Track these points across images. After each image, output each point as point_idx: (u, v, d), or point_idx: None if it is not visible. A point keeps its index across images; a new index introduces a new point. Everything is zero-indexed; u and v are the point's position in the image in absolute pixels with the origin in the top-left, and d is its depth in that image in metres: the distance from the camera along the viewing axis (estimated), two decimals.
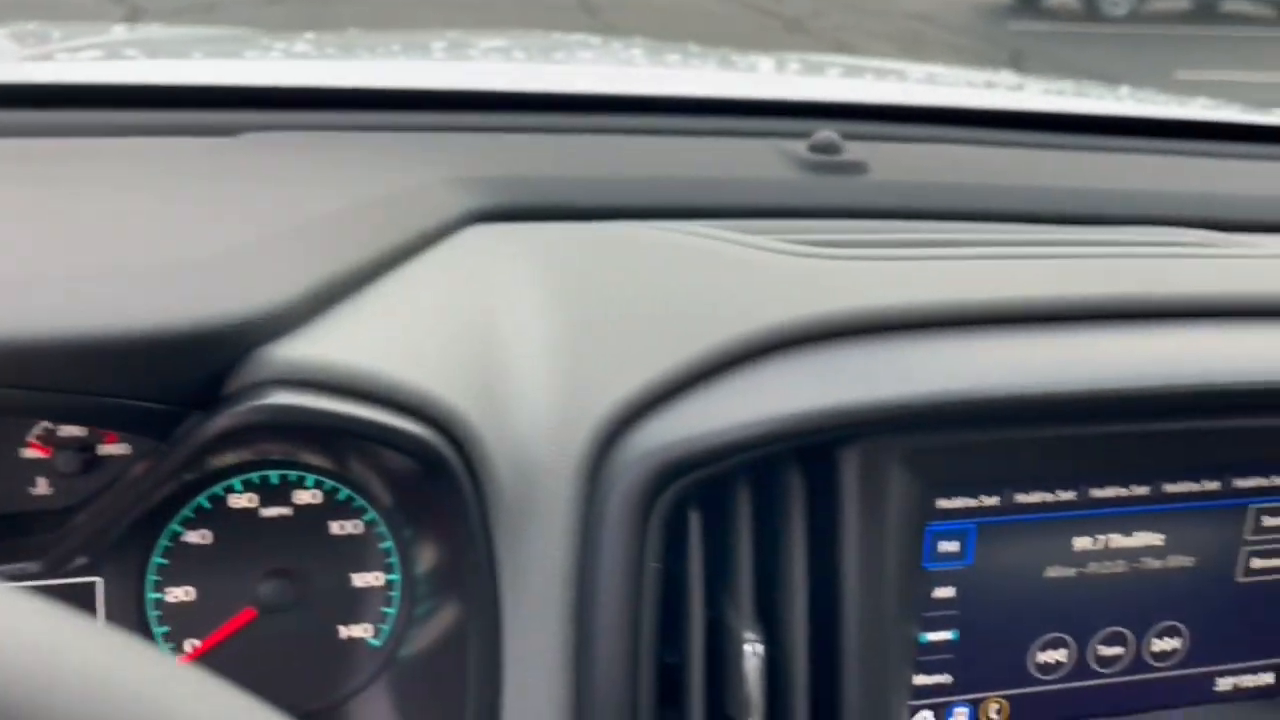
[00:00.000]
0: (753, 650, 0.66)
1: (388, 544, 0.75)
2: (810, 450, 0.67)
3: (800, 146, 1.04)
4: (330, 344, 0.62)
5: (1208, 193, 1.08)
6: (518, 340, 0.70)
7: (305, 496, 0.73)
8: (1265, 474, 0.75)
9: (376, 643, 0.76)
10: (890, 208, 0.99)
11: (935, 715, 0.74)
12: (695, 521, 0.66)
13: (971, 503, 0.70)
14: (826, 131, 1.05)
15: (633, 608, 0.65)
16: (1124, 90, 1.49)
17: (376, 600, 0.76)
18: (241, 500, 0.71)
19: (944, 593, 0.72)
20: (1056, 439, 0.69)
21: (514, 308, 0.73)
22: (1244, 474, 0.75)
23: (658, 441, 0.64)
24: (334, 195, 0.83)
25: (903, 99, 1.25)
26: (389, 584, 0.75)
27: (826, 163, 1.02)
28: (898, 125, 1.19)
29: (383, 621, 0.75)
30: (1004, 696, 0.75)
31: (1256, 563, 0.77)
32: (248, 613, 0.72)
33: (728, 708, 0.67)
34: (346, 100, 1.05)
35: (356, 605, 0.75)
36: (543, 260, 0.79)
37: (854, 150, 1.04)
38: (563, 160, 0.98)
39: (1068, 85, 1.49)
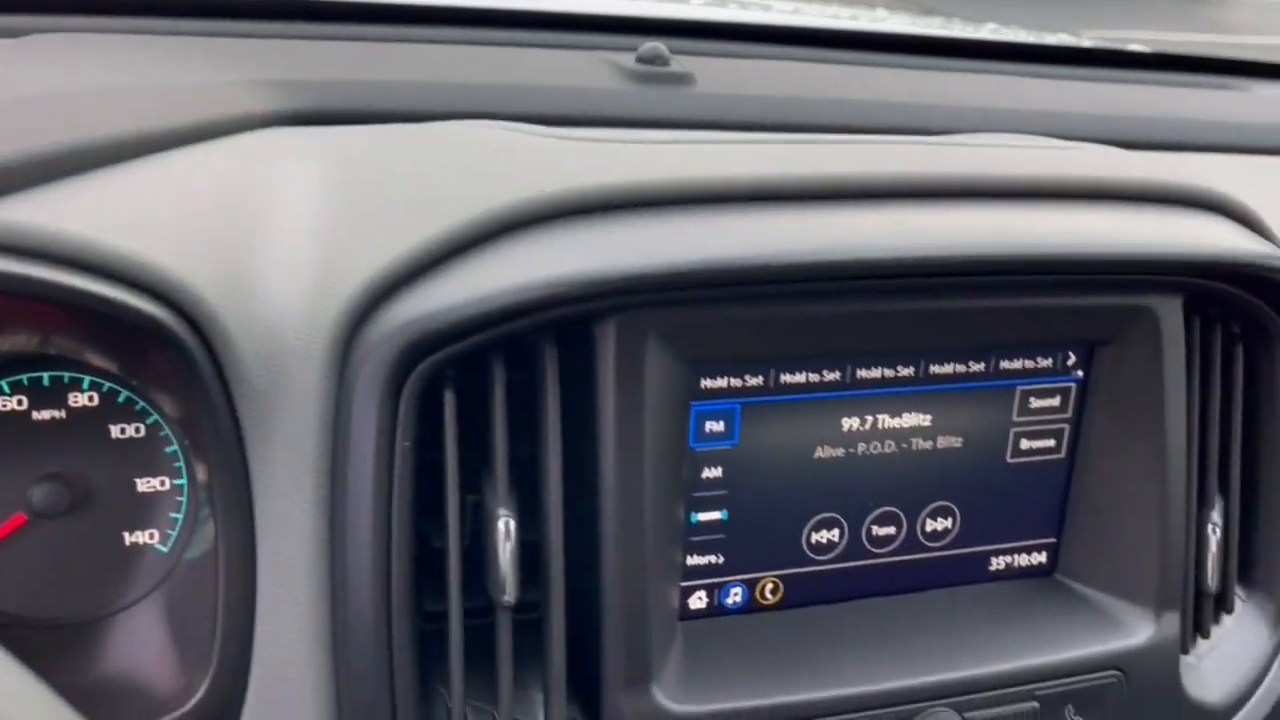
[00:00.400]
0: (505, 526, 0.66)
1: (173, 448, 0.73)
2: (567, 328, 0.67)
3: (628, 58, 1.03)
4: (49, 210, 0.60)
5: (1027, 109, 1.11)
6: (273, 224, 0.69)
7: (81, 399, 0.71)
8: (1030, 356, 0.77)
9: (164, 549, 0.74)
10: (716, 119, 0.99)
11: (709, 594, 0.76)
12: (450, 401, 0.65)
13: (736, 382, 0.71)
14: (654, 43, 1.05)
15: (385, 489, 0.64)
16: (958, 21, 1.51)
17: (164, 505, 0.74)
18: (10, 403, 0.69)
19: (712, 473, 0.73)
20: (820, 318, 0.70)
21: (276, 194, 0.71)
22: (1009, 356, 0.77)
23: (406, 317, 0.63)
24: (111, 86, 0.81)
25: (735, 17, 1.26)
26: (176, 488, 0.74)
27: (653, 73, 1.01)
28: (728, 42, 1.19)
29: (170, 527, 0.74)
30: (778, 576, 0.77)
31: (1025, 444, 0.80)
32: (18, 519, 0.70)
33: (488, 589, 0.67)
34: (153, 6, 1.02)
35: (142, 511, 0.73)
36: (322, 153, 0.78)
37: (682, 63, 1.04)
38: (379, 68, 0.96)
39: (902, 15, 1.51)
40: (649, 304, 0.66)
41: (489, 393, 0.66)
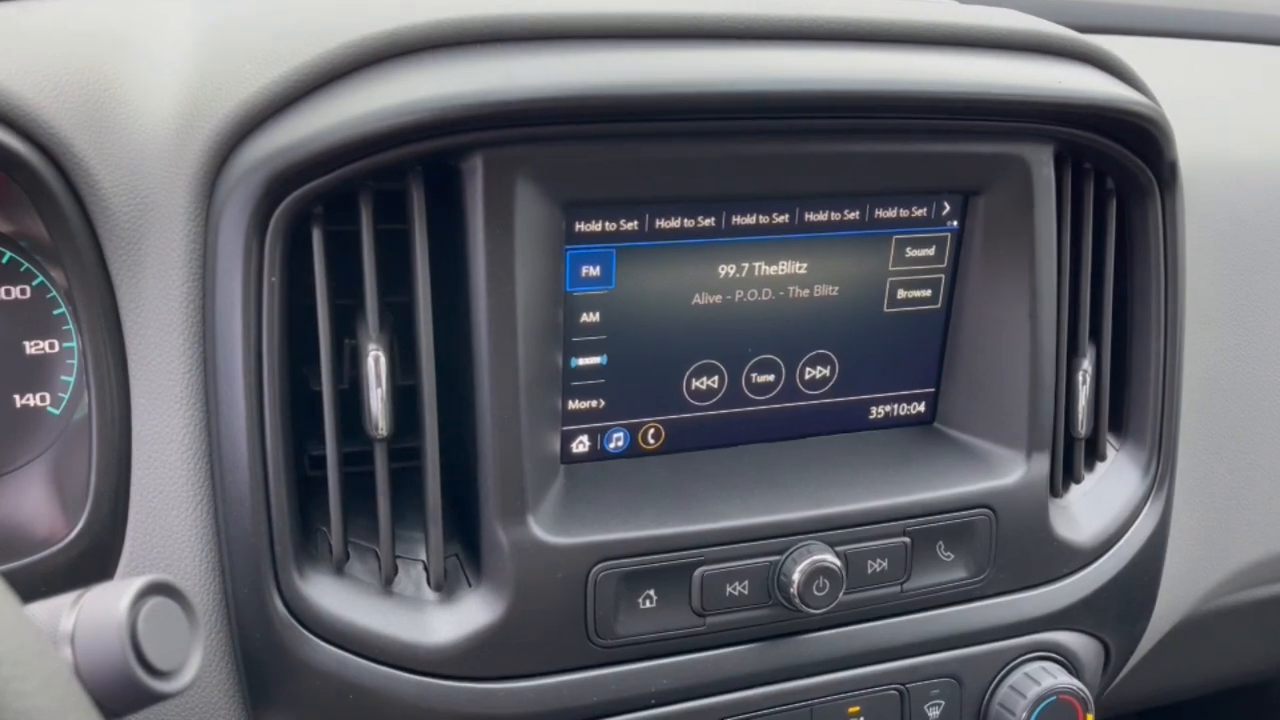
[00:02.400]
0: (374, 362, 0.67)
1: (61, 310, 0.73)
2: (435, 172, 0.67)
3: None
4: None
5: None
6: (137, 61, 0.68)
7: None
8: (905, 205, 0.79)
9: (55, 411, 0.75)
10: None
11: (592, 439, 0.78)
12: (318, 239, 0.66)
13: (610, 226, 0.72)
14: None
15: (255, 326, 0.65)
16: None
17: (55, 368, 0.74)
18: None
19: (590, 318, 0.74)
20: (694, 161, 0.71)
21: (142, 32, 0.70)
22: (884, 204, 0.78)
23: (270, 149, 0.63)
24: None
25: None
26: (67, 351, 0.74)
27: None
28: None
29: (62, 390, 0.74)
30: (660, 421, 0.79)
31: (902, 293, 0.82)
32: None
33: (365, 428, 0.69)
34: None
35: (31, 373, 0.74)
36: None
37: None
38: None
39: None
40: (516, 140, 0.66)
41: (358, 231, 0.67)
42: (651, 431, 0.79)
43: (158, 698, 0.46)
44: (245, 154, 0.64)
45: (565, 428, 0.76)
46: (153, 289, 0.67)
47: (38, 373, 0.74)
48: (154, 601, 0.46)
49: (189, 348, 0.67)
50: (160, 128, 0.65)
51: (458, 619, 0.70)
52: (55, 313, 0.73)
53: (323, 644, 0.67)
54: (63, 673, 0.35)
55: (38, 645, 0.33)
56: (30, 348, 0.74)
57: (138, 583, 0.45)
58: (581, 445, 0.77)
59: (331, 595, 0.68)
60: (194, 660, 0.47)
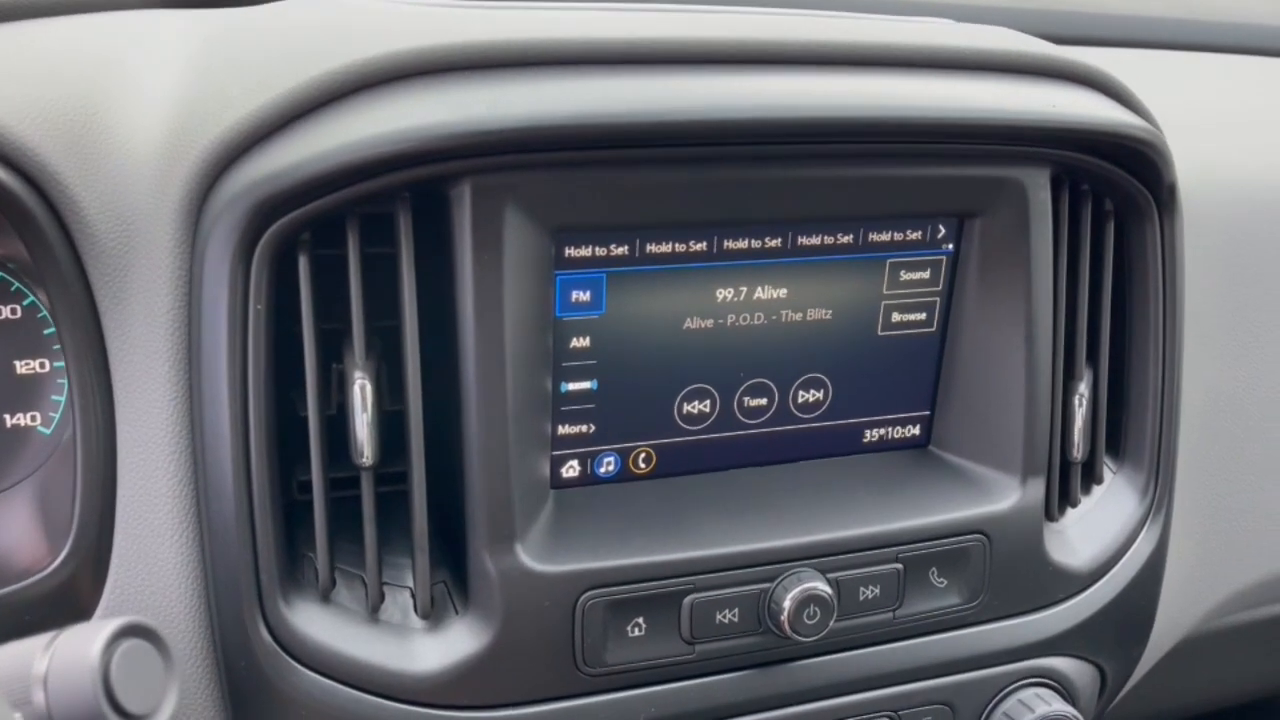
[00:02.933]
0: (360, 390, 0.66)
1: (52, 330, 0.73)
2: (424, 199, 0.67)
3: None
4: None
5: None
6: (125, 91, 0.68)
7: None
8: (900, 228, 0.78)
9: (46, 431, 0.74)
10: None
11: (582, 464, 0.77)
12: (304, 266, 0.65)
13: (600, 251, 0.72)
14: None
15: (241, 354, 0.64)
16: None
17: (45, 388, 0.74)
18: None
19: (580, 343, 0.74)
20: (685, 186, 0.70)
21: (131, 66, 0.70)
22: (878, 228, 0.78)
23: (256, 176, 0.63)
24: None
25: None
26: (57, 371, 0.74)
27: None
28: None
29: (53, 410, 0.74)
30: (651, 446, 0.78)
31: (896, 316, 0.81)
32: None
33: (350, 454, 0.68)
34: None
35: (22, 393, 0.73)
36: (183, 29, 0.76)
37: None
38: None
39: None
40: (505, 167, 0.65)
41: (344, 256, 0.66)
42: (643, 456, 0.78)
43: None
44: (231, 181, 0.64)
45: (555, 452, 0.76)
46: (138, 315, 0.66)
47: (28, 392, 0.73)
48: (128, 644, 0.45)
49: (174, 374, 0.66)
50: (146, 154, 0.65)
51: (445, 647, 0.69)
52: (46, 332, 0.73)
53: (309, 673, 0.67)
54: None
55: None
56: (21, 367, 0.73)
57: (112, 625, 0.45)
58: (571, 470, 0.77)
59: (317, 623, 0.68)
60: (168, 704, 0.46)
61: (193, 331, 0.66)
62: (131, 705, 0.45)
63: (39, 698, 0.44)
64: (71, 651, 0.44)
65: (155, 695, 0.46)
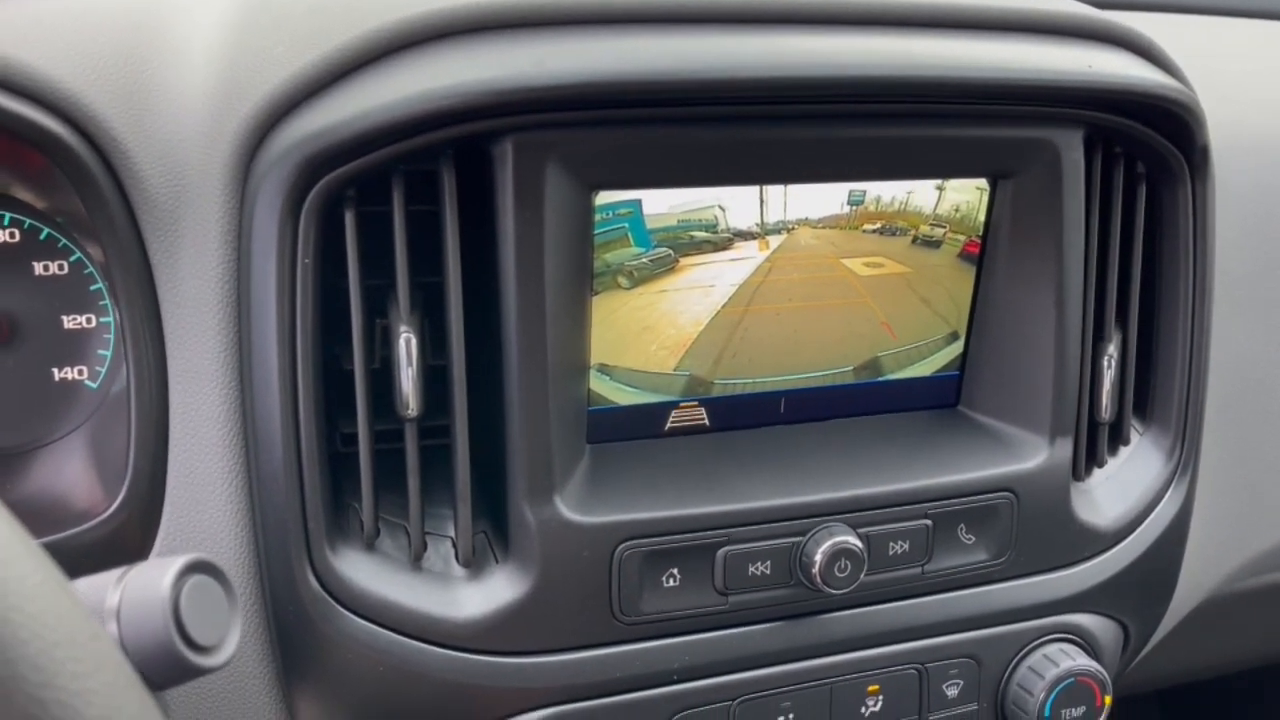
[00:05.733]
0: (405, 344, 0.68)
1: (98, 285, 0.75)
2: (467, 157, 0.68)
3: None
4: None
5: None
6: (174, 43, 0.69)
7: (2, 235, 0.72)
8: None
9: (93, 385, 0.76)
10: None
11: None
12: (350, 220, 0.67)
13: None
14: None
15: (289, 307, 0.66)
16: None
17: (92, 343, 0.76)
18: None
19: None
20: (723, 146, 0.71)
21: (179, 15, 0.71)
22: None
23: (304, 133, 0.64)
24: None
25: None
26: (104, 326, 0.76)
27: None
28: None
29: (100, 364, 0.76)
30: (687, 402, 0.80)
31: None
32: None
33: (395, 407, 0.70)
34: None
35: (70, 347, 0.75)
36: None
37: None
38: None
39: None
40: (546, 125, 0.67)
41: (389, 213, 0.68)
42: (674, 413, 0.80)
43: (199, 672, 0.47)
44: (280, 137, 0.65)
45: (592, 409, 0.77)
46: (189, 268, 0.68)
47: (76, 347, 0.75)
48: (195, 579, 0.47)
49: (224, 326, 0.68)
50: (196, 109, 0.66)
51: (485, 595, 0.71)
52: (92, 288, 0.74)
53: (354, 618, 0.69)
54: (115, 654, 0.36)
55: (90, 628, 0.35)
56: (68, 322, 0.75)
57: (180, 561, 0.47)
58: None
59: (362, 570, 0.70)
60: (233, 636, 0.48)
61: (242, 285, 0.67)
62: (200, 637, 0.47)
63: (112, 629, 0.46)
64: (143, 585, 0.46)
65: (221, 629, 0.48)
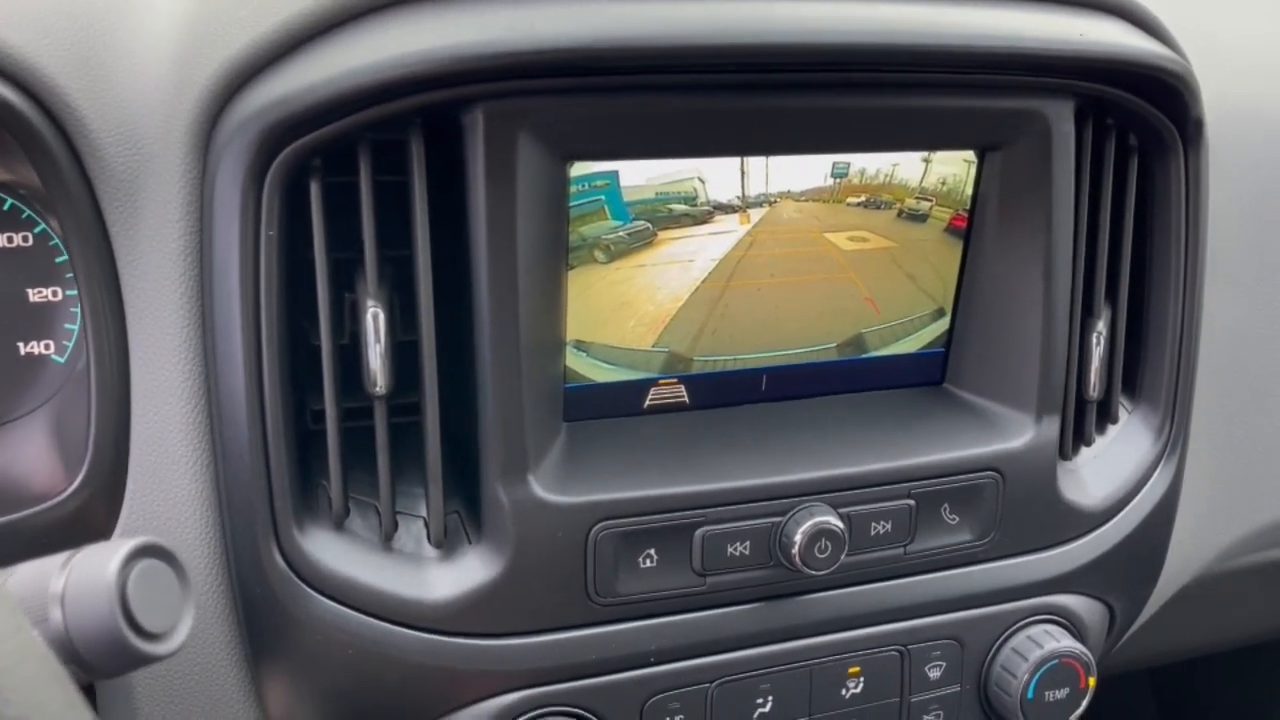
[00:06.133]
0: (373, 319, 0.66)
1: (64, 258, 0.73)
2: (437, 123, 0.66)
3: None
4: None
5: None
6: (132, 11, 0.66)
7: None
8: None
9: (60, 359, 0.74)
10: None
11: None
12: (316, 191, 0.65)
13: None
14: None
15: (253, 281, 0.64)
16: None
17: (59, 317, 0.74)
18: None
19: None
20: (701, 115, 0.69)
21: None
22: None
23: (266, 100, 0.62)
24: None
25: None
26: (70, 299, 0.74)
27: None
28: None
29: (67, 339, 0.74)
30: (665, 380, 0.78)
31: None
32: None
33: (364, 384, 0.68)
34: None
35: (35, 322, 0.73)
36: None
37: None
38: None
39: None
40: (518, 92, 0.64)
41: (357, 184, 0.66)
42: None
43: (148, 660, 0.46)
44: (242, 104, 0.63)
45: (569, 386, 0.75)
46: (150, 241, 0.66)
47: (42, 320, 0.73)
48: (145, 564, 0.46)
49: (187, 301, 0.66)
50: (155, 77, 0.64)
51: (457, 576, 0.70)
52: (58, 260, 0.72)
53: (322, 599, 0.68)
54: (37, 649, 0.34)
55: (11, 622, 0.33)
56: (34, 295, 0.73)
57: (128, 544, 0.45)
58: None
59: (331, 551, 0.68)
60: (185, 623, 0.47)
61: (204, 258, 0.65)
62: (148, 623, 0.45)
63: (56, 615, 0.44)
64: (88, 569, 0.44)
65: (172, 614, 0.47)
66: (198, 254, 0.66)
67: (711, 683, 0.75)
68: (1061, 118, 0.76)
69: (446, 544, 0.70)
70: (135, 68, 0.64)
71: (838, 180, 0.75)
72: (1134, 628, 0.96)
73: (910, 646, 0.80)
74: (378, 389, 0.67)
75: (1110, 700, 1.68)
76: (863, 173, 0.75)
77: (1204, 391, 0.92)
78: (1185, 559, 0.96)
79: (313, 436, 0.72)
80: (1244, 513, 0.99)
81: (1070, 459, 0.85)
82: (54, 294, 0.73)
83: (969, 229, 0.80)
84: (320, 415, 0.70)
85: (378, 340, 0.66)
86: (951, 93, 0.74)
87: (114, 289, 0.67)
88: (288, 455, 0.67)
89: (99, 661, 0.44)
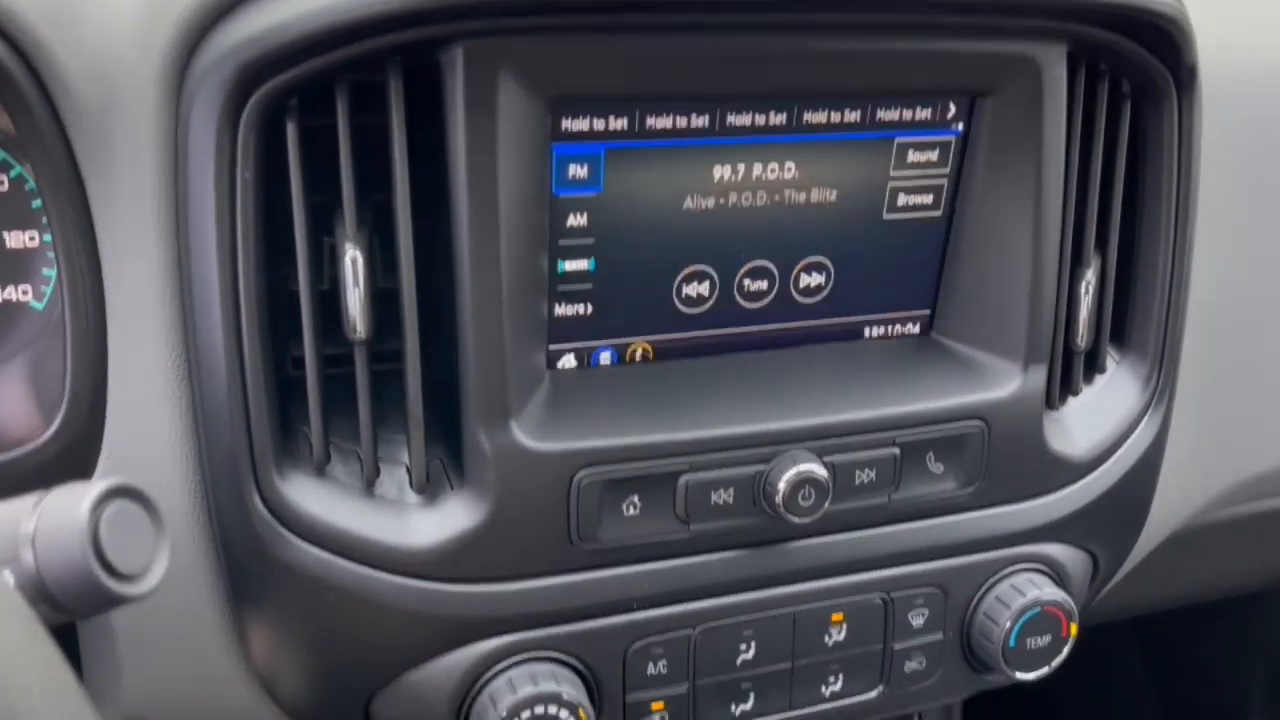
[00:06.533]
0: (352, 262, 0.65)
1: (40, 202, 0.71)
2: (416, 58, 0.64)
3: None
4: None
5: None
6: None
7: None
8: (909, 105, 0.76)
9: (38, 305, 0.74)
10: None
11: (579, 358, 0.76)
12: (292, 132, 0.64)
13: (599, 124, 0.69)
14: None
15: (229, 223, 0.63)
16: None
17: (36, 262, 0.73)
18: None
19: (577, 220, 0.72)
20: (687, 57, 0.68)
21: None
22: (887, 105, 0.75)
23: (240, 38, 0.61)
24: None
25: None
26: (47, 244, 0.72)
27: None
28: None
29: (45, 284, 0.73)
30: (650, 341, 0.77)
31: (903, 199, 0.79)
32: None
33: (344, 329, 0.67)
34: None
35: (13, 266, 0.72)
36: None
37: None
38: None
39: None
40: (499, 31, 0.63)
41: (335, 125, 0.64)
42: (640, 352, 0.77)
43: (122, 600, 0.45)
44: (215, 42, 0.62)
45: (552, 346, 0.75)
46: (124, 183, 0.65)
47: (20, 266, 0.72)
48: (118, 504, 0.45)
49: (162, 245, 0.65)
50: (127, 13, 0.63)
51: (439, 522, 0.69)
52: (35, 205, 0.71)
53: (303, 544, 0.67)
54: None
55: None
56: (10, 240, 0.72)
57: (100, 485, 0.45)
58: (569, 362, 0.76)
59: (312, 496, 0.68)
60: (159, 564, 0.46)
61: (179, 201, 0.64)
62: (121, 564, 0.45)
63: (27, 556, 0.44)
64: (59, 510, 0.44)
65: (146, 556, 0.46)
66: (173, 197, 0.65)
67: (694, 628, 0.76)
68: (1053, 63, 0.75)
69: (429, 490, 0.70)
70: (107, 5, 0.63)
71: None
72: (1117, 577, 0.97)
73: (893, 594, 0.81)
74: (358, 334, 0.66)
75: (1093, 650, 1.70)
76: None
77: (1191, 343, 0.91)
78: (1170, 510, 0.96)
79: (295, 384, 0.71)
80: (1231, 463, 0.99)
81: (1057, 409, 0.85)
82: (31, 239, 0.72)
83: (957, 176, 0.79)
84: (302, 362, 0.69)
85: (356, 284, 0.66)
86: (943, 35, 0.72)
87: (88, 232, 0.66)
88: (268, 401, 0.66)
89: (72, 602, 0.44)
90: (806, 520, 0.74)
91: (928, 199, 0.80)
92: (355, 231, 0.65)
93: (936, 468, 0.79)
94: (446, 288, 0.69)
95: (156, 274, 0.66)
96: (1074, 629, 0.84)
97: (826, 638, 0.80)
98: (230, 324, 0.65)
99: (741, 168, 0.74)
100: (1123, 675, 1.72)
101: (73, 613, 0.45)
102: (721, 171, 0.74)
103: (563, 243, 0.72)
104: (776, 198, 0.76)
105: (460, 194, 0.65)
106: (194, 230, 0.64)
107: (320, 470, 0.69)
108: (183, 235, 0.65)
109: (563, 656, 0.73)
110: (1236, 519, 1.09)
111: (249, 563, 0.68)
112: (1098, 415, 0.87)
